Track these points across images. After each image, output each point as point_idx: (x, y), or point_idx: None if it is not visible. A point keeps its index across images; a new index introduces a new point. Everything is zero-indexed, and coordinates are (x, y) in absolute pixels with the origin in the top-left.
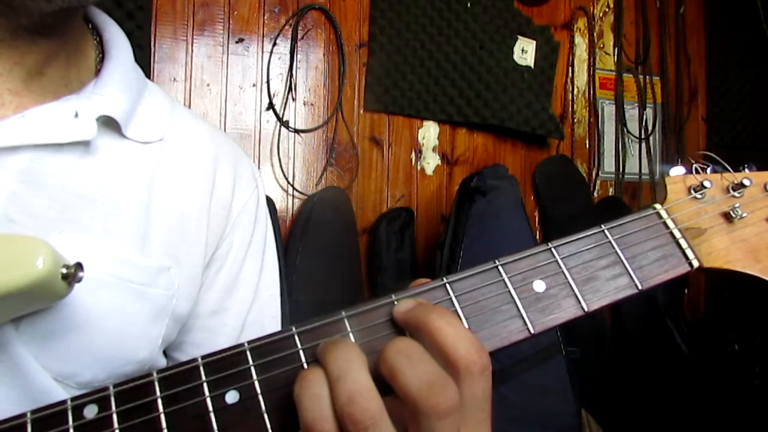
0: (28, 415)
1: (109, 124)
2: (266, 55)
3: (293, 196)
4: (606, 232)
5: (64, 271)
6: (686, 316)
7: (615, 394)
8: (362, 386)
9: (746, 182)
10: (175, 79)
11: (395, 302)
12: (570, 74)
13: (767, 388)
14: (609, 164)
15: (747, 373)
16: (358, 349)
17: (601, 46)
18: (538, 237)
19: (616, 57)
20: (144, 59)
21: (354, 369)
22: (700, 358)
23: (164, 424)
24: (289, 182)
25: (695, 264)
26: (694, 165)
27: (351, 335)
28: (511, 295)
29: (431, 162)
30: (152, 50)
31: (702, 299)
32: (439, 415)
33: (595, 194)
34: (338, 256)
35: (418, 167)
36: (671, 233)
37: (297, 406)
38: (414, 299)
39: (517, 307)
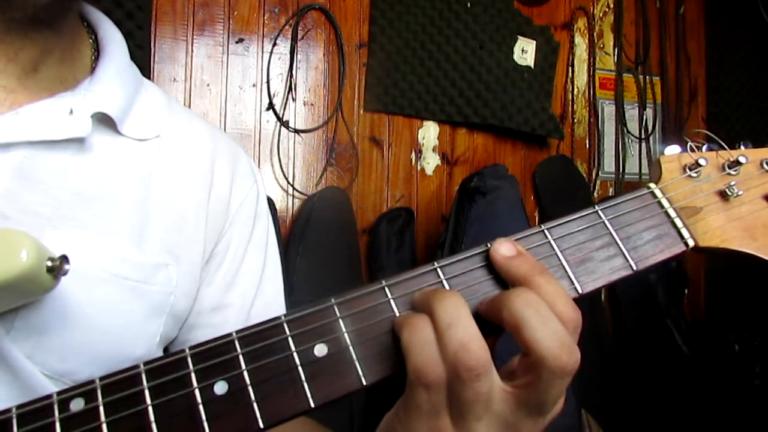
0: (14, 410)
1: (105, 121)
2: (266, 55)
3: (293, 196)
4: (600, 212)
5: (49, 264)
6: (686, 316)
7: (615, 394)
8: (474, 335)
9: (742, 159)
10: (175, 79)
11: (386, 288)
12: (570, 74)
13: (767, 388)
14: (609, 164)
15: (747, 373)
16: (463, 298)
17: (601, 46)
18: None
19: (616, 57)
20: (144, 59)
21: (463, 317)
22: (700, 358)
23: (152, 417)
24: (289, 182)
25: (691, 243)
26: (689, 143)
27: (341, 321)
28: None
29: (431, 162)
30: (152, 50)
31: (702, 299)
32: (564, 374)
33: (595, 194)
34: (338, 256)
35: (418, 167)
36: (666, 213)
37: (406, 352)
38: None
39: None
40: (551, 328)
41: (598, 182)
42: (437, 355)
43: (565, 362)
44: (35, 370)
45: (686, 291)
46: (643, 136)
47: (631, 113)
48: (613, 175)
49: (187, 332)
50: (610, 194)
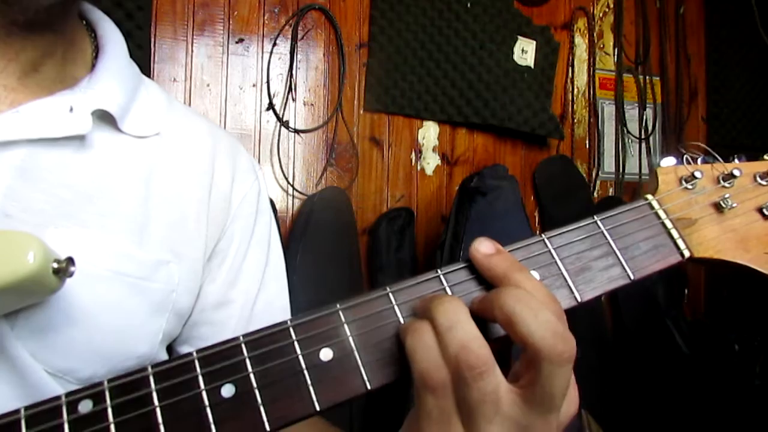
0: (22, 411)
1: (105, 118)
2: (266, 56)
3: (293, 196)
4: (599, 222)
5: (56, 265)
6: (686, 316)
7: (615, 394)
8: (474, 335)
9: (736, 172)
10: (175, 79)
11: (390, 294)
12: (570, 74)
13: (767, 388)
14: (609, 164)
15: (747, 373)
16: (462, 302)
17: (601, 46)
18: None
19: (616, 57)
20: (144, 59)
21: (462, 319)
22: (700, 358)
23: (160, 419)
24: (289, 182)
25: (686, 254)
26: (685, 156)
27: (346, 326)
28: None
29: (431, 162)
30: (152, 50)
31: (702, 299)
32: (561, 362)
33: (595, 194)
34: (338, 256)
35: (418, 167)
36: (663, 223)
37: (410, 357)
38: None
39: None
40: (542, 318)
41: (598, 182)
42: (440, 358)
43: (562, 350)
44: (39, 368)
45: (686, 291)
46: (643, 136)
47: (631, 113)
48: (613, 175)
49: (190, 329)
50: (610, 194)
